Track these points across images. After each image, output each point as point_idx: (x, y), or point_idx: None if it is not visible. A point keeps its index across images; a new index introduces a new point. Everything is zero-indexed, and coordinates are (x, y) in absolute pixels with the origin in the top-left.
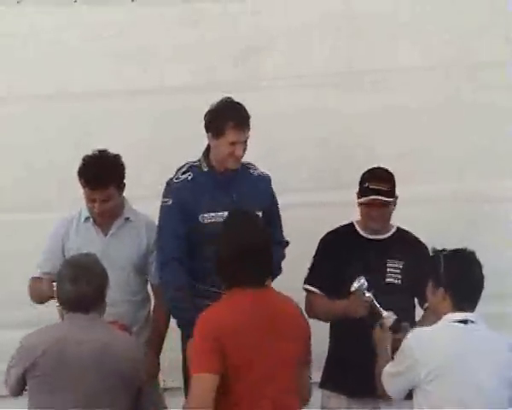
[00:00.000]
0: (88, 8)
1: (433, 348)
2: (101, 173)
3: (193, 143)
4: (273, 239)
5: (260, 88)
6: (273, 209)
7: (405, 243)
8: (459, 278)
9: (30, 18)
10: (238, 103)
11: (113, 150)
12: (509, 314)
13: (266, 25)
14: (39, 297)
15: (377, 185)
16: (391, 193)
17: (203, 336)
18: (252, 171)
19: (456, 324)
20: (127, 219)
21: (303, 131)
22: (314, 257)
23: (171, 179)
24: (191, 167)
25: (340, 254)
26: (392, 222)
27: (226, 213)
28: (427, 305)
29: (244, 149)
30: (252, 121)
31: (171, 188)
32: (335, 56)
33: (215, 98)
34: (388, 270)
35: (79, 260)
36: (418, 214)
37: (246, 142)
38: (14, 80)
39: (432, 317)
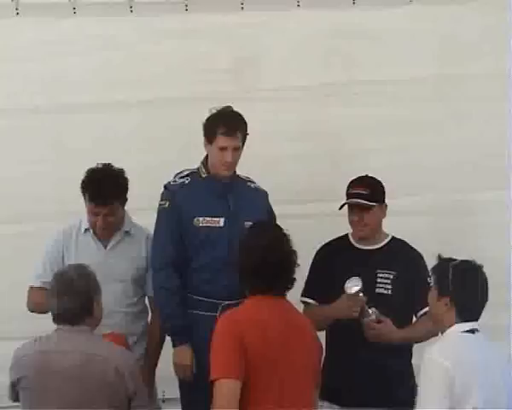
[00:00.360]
0: (87, 19)
1: (461, 362)
2: (107, 189)
3: (188, 155)
4: None
5: (254, 100)
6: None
7: (399, 252)
8: (466, 288)
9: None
10: (233, 111)
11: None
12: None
13: (261, 36)
14: (40, 307)
15: (356, 190)
16: (371, 197)
17: (225, 335)
18: (249, 184)
19: (467, 334)
20: (127, 232)
21: (297, 142)
22: (310, 270)
23: (169, 182)
24: (190, 173)
25: (334, 265)
26: (387, 232)
27: (222, 220)
28: (421, 312)
29: (234, 156)
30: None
31: (168, 191)
32: (329, 69)
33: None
34: (378, 280)
35: (66, 273)
36: (413, 225)
37: (237, 149)
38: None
39: (423, 324)
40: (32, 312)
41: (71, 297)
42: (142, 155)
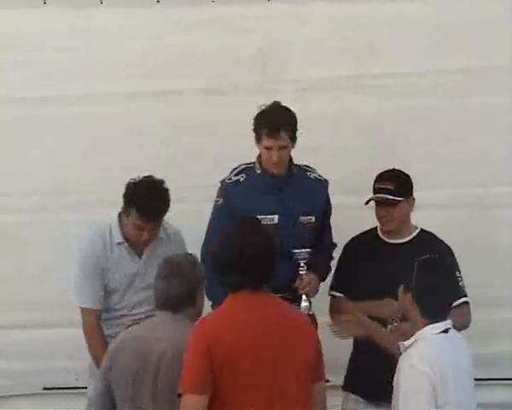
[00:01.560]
0: (109, 10)
1: (439, 365)
2: (157, 205)
3: (214, 146)
4: (323, 241)
5: (274, 92)
6: (327, 213)
7: (427, 246)
8: (424, 286)
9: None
10: (278, 109)
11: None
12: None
13: (281, 29)
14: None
15: (382, 185)
16: (397, 192)
17: (193, 349)
18: (309, 174)
19: (441, 335)
20: (160, 238)
21: (319, 134)
22: (337, 263)
23: (224, 180)
24: (245, 169)
25: (362, 259)
26: (416, 224)
27: (276, 217)
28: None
29: (281, 155)
30: None
31: (222, 188)
32: (349, 61)
33: (229, 102)
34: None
35: (175, 259)
36: (433, 218)
37: (283, 148)
38: None
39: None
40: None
41: (178, 281)
42: (168, 146)
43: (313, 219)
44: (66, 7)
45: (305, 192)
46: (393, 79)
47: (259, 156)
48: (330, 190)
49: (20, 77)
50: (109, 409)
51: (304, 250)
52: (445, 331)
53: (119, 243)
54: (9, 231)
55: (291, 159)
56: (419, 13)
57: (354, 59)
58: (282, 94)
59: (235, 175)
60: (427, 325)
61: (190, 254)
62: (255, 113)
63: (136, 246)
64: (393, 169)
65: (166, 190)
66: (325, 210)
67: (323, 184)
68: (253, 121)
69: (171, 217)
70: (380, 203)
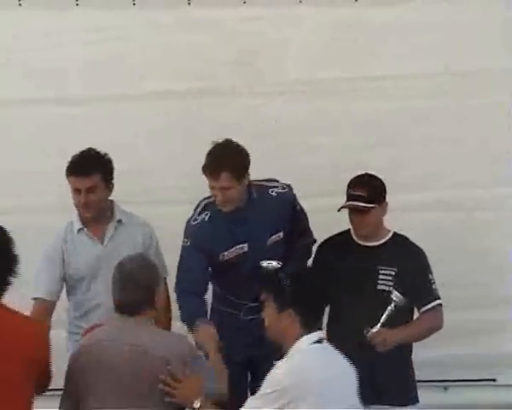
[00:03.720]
0: (87, 11)
1: (305, 380)
2: (85, 161)
3: (191, 149)
4: (295, 246)
5: (256, 94)
6: (297, 216)
7: (400, 248)
8: (307, 296)
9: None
10: (223, 149)
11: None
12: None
13: (263, 31)
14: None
15: (355, 191)
16: (370, 199)
17: None
18: (271, 191)
19: (316, 345)
20: (119, 221)
21: (300, 136)
22: (312, 262)
23: (189, 221)
24: (207, 205)
25: (335, 261)
26: (389, 227)
27: (246, 245)
28: (424, 309)
29: (226, 195)
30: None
31: (189, 229)
32: (332, 63)
33: (211, 104)
34: (380, 277)
35: (126, 265)
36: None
37: (226, 189)
38: None
39: (425, 321)
40: None
41: (133, 287)
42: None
43: (281, 234)
44: (41, 9)
45: (270, 215)
46: (393, 81)
47: None
48: (330, 191)
49: None
50: None
51: (272, 263)
52: (319, 342)
53: (79, 230)
54: None
55: (250, 184)
56: (418, 15)
57: (353, 61)
58: (281, 96)
59: (199, 214)
60: (303, 336)
61: (143, 257)
62: (248, 115)
63: (96, 231)
64: (365, 174)
65: (103, 155)
66: (292, 217)
67: (287, 194)
68: None
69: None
70: (353, 210)
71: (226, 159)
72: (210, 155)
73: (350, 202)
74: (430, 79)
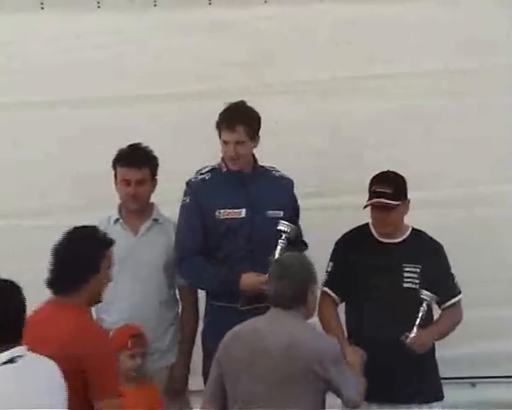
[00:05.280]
0: (111, 13)
1: None
2: (137, 153)
3: (200, 149)
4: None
5: (265, 94)
6: (295, 211)
7: (421, 244)
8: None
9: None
10: (239, 106)
11: None
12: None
13: (272, 31)
14: None
15: (380, 188)
16: (394, 196)
17: None
18: (274, 173)
19: (2, 367)
20: (156, 220)
21: (307, 136)
22: (330, 259)
23: (190, 179)
24: (211, 170)
25: (356, 257)
26: (407, 223)
27: (244, 211)
28: (446, 304)
29: (237, 150)
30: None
31: (189, 187)
32: (332, 63)
33: (212, 105)
34: (406, 275)
35: (286, 259)
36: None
37: (240, 143)
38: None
39: (449, 317)
40: None
41: (289, 282)
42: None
43: (281, 214)
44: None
45: (272, 188)
46: (393, 81)
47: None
48: (330, 191)
49: None
50: (220, 398)
51: (291, 225)
52: (11, 361)
53: (116, 220)
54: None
55: (255, 160)
56: (418, 13)
57: (353, 60)
58: (282, 96)
59: (201, 174)
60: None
61: (303, 256)
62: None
63: (132, 225)
64: (389, 171)
65: (147, 147)
66: (293, 207)
67: (289, 181)
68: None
69: None
70: (377, 207)
71: (243, 113)
72: (226, 110)
73: (376, 200)
74: (430, 77)
